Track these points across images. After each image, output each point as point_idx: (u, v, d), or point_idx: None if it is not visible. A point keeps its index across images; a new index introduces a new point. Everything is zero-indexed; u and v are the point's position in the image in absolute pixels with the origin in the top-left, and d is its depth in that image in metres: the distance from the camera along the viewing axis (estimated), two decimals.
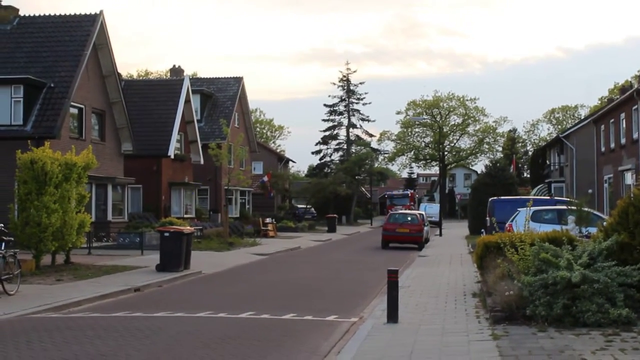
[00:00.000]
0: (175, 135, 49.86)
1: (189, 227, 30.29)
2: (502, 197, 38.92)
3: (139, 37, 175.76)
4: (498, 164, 65.39)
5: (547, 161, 78.28)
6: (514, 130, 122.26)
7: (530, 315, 13.70)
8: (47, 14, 41.54)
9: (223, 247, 38.89)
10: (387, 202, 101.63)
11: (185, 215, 50.03)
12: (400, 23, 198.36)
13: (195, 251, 30.41)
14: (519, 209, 28.93)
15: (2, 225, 21.80)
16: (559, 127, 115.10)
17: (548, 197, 45.48)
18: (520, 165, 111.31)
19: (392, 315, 15.06)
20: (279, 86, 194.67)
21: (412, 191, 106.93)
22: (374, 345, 12.74)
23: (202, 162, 54.68)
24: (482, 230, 35.01)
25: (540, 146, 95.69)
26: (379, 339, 13.31)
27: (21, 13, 41.62)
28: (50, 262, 26.75)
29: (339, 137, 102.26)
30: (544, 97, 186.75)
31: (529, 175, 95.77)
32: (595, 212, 26.60)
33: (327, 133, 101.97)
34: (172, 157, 49.78)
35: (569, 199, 27.75)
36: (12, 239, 21.87)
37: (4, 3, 41.15)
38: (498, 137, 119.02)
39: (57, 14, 41.31)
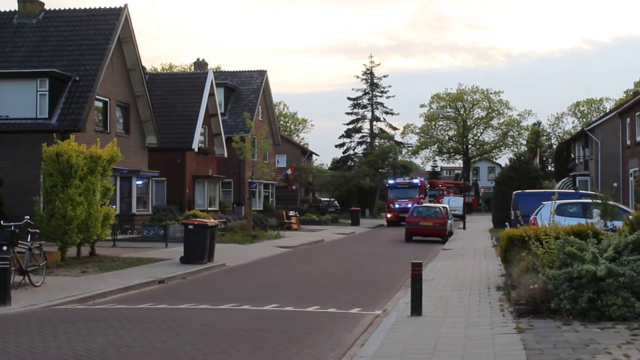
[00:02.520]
0: (199, 129, 50.02)
1: (212, 220, 30.39)
2: (527, 191, 38.76)
3: (163, 31, 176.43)
4: (522, 158, 65.00)
5: (572, 154, 77.82)
6: (539, 123, 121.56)
7: (555, 309, 13.65)
8: (72, 7, 41.75)
9: (247, 239, 38.98)
10: (388, 193, 70.49)
11: (209, 208, 50.19)
12: (425, 16, 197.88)
13: (219, 244, 30.52)
14: (543, 202, 28.81)
15: (28, 217, 21.97)
16: (584, 120, 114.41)
17: (573, 191, 45.22)
18: (544, 159, 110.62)
19: (416, 308, 15.05)
20: (303, 79, 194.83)
21: (421, 179, 75.70)
22: (397, 338, 12.73)
23: (225, 155, 54.81)
24: (506, 223, 34.87)
25: (565, 139, 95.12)
26: (403, 332, 13.30)
27: (47, 7, 41.85)
28: (75, 254, 26.94)
29: (362, 130, 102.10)
30: (569, 90, 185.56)
31: (553, 169, 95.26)
32: (621, 206, 26.45)
33: (350, 126, 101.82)
34: (196, 150, 49.95)
35: (593, 193, 27.65)
36: (38, 231, 22.05)
37: None
38: (522, 131, 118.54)
39: (82, 7, 41.52)
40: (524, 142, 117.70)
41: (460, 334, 12.91)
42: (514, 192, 37.88)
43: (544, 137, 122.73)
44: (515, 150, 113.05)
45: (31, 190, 31.82)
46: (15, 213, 24.89)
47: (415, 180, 71.62)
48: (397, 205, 66.24)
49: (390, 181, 72.43)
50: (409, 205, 57.78)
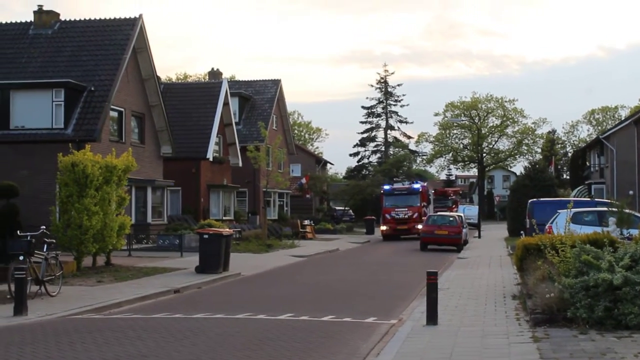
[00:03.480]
0: (213, 138, 50.14)
1: (227, 229, 30.43)
2: (542, 199, 38.67)
3: (178, 40, 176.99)
4: (537, 166, 64.88)
5: (587, 162, 77.58)
6: (553, 131, 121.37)
7: (571, 318, 13.60)
8: (87, 18, 41.97)
9: (262, 249, 39.00)
10: (383, 201, 58.46)
11: (224, 218, 50.27)
12: (439, 24, 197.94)
13: (234, 253, 30.53)
14: (558, 211, 28.72)
15: (44, 227, 22.04)
16: (599, 128, 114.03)
17: (588, 199, 45.07)
18: (559, 167, 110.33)
19: (432, 317, 15.01)
20: (317, 88, 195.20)
21: (423, 184, 64.52)
22: (413, 348, 12.71)
23: (240, 164, 54.90)
24: (522, 232, 34.78)
25: (580, 147, 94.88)
26: (419, 341, 13.27)
27: (62, 18, 42.08)
28: (91, 264, 27.01)
29: (376, 139, 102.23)
30: (584, 97, 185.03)
31: (568, 177, 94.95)
32: (637, 214, 26.31)
33: (364, 135, 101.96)
34: (211, 159, 50.04)
35: (609, 201, 27.54)
36: (54, 241, 22.13)
37: (46, 8, 41.60)
38: (537, 139, 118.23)
39: (97, 18, 41.74)
40: (539, 150, 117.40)
41: (476, 343, 12.87)
42: (529, 201, 37.80)
43: (559, 145, 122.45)
44: (530, 158, 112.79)
45: (47, 200, 31.99)
46: (31, 223, 24.92)
47: (416, 186, 60.33)
48: (394, 215, 56.20)
49: (386, 187, 60.56)
50: (409, 215, 55.49)
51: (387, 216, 56.45)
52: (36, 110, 36.39)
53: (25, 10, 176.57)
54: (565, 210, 20.37)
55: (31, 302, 17.99)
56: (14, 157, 35.96)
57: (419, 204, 56.85)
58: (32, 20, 41.58)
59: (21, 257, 18.88)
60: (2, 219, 23.89)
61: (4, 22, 42.62)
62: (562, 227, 18.51)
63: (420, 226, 49.55)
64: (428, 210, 59.40)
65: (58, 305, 18.38)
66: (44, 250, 20.54)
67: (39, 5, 41.47)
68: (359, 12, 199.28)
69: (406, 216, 55.61)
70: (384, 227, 56.57)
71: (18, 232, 21.22)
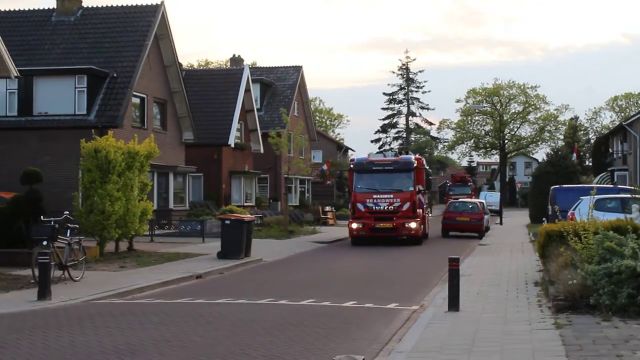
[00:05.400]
0: (235, 124, 50.18)
1: (249, 215, 30.55)
2: (564, 186, 38.50)
3: (199, 26, 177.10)
4: (559, 152, 64.63)
5: (610, 149, 77.08)
6: (576, 118, 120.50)
7: (593, 305, 13.55)
8: (109, 5, 42.09)
9: (283, 235, 39.09)
10: (353, 182, 37.40)
11: (246, 204, 50.40)
12: (461, 10, 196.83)
13: (255, 239, 30.63)
14: (581, 197, 28.58)
15: (68, 213, 22.20)
16: (622, 114, 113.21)
17: (611, 186, 44.82)
18: (582, 154, 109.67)
19: (454, 303, 15.00)
20: (338, 75, 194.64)
21: (418, 157, 42.57)
22: (435, 334, 12.71)
23: (262, 150, 54.94)
24: (544, 218, 34.65)
25: (603, 134, 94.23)
26: (440, 327, 13.27)
27: (84, 4, 42.21)
28: (113, 249, 27.21)
29: (398, 126, 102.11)
30: (607, 84, 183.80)
31: (591, 164, 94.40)
32: None
33: (386, 121, 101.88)
34: (233, 145, 50.10)
35: (632, 187, 27.37)
36: (77, 226, 22.27)
37: None
38: (559, 125, 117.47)
39: (119, 5, 41.83)
40: (562, 136, 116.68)
41: (498, 330, 12.86)
42: (552, 187, 37.59)
43: (582, 132, 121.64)
44: (553, 145, 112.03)
45: (70, 185, 32.20)
46: (54, 208, 25.09)
47: (408, 157, 39.75)
48: (370, 206, 35.92)
49: (358, 159, 39.66)
50: (395, 206, 35.58)
51: (360, 207, 35.95)
52: (59, 97, 36.58)
53: None
54: (588, 197, 20.27)
55: (55, 286, 18.13)
56: (37, 143, 36.20)
57: (411, 188, 36.24)
58: (55, 7, 41.72)
59: (45, 242, 19.05)
60: (26, 204, 24.10)
61: (26, 9, 42.85)
62: (584, 214, 18.42)
63: (414, 224, 35.48)
64: (425, 199, 41.43)
65: (81, 290, 18.52)
66: (68, 235, 20.70)
67: None
68: None
69: (391, 207, 35.64)
70: (354, 225, 36.12)
71: (42, 217, 21.38)
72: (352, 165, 38.22)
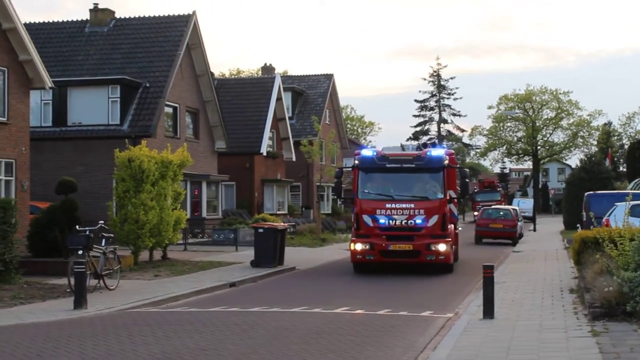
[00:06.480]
0: (267, 133, 50.34)
1: (282, 224, 30.55)
2: (599, 192, 38.24)
3: (231, 35, 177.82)
4: (593, 158, 64.10)
5: None
6: (609, 123, 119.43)
7: (630, 312, 13.44)
8: (141, 15, 42.42)
9: (316, 243, 39.11)
10: (357, 185, 26.35)
11: (278, 212, 50.48)
12: (492, 16, 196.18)
13: (288, 247, 30.65)
14: (616, 204, 28.35)
15: (103, 222, 22.36)
16: None
17: None
18: (616, 159, 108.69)
19: (488, 311, 14.93)
20: (370, 82, 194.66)
21: (448, 151, 30.49)
22: (470, 342, 12.66)
23: (294, 158, 55.03)
24: (578, 225, 34.42)
25: (637, 139, 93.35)
26: (475, 335, 13.22)
27: (117, 15, 42.57)
28: (148, 258, 27.36)
29: (429, 133, 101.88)
30: None
31: (625, 169, 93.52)
32: None
33: (418, 129, 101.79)
34: (265, 154, 50.26)
35: None
36: (112, 235, 22.42)
37: (101, 6, 42.13)
38: (592, 131, 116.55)
39: (151, 15, 42.18)
40: (595, 142, 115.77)
41: (533, 337, 12.78)
42: (586, 194, 37.37)
43: (615, 137, 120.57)
44: (586, 150, 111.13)
45: (104, 195, 32.52)
46: (89, 218, 25.36)
47: (436, 154, 27.03)
48: (382, 221, 25.72)
49: (365, 153, 27.37)
50: (418, 221, 25.28)
51: (367, 220, 25.88)
52: (93, 107, 36.96)
53: (78, 8, 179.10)
54: (624, 202, 20.11)
55: (90, 295, 18.27)
56: (71, 153, 36.59)
57: (440, 195, 26.11)
58: (88, 18, 42.15)
59: (80, 252, 19.19)
60: (62, 214, 24.35)
61: (60, 20, 43.32)
62: (620, 220, 18.28)
63: (443, 246, 25.38)
64: (456, 209, 31.31)
65: (116, 299, 18.64)
66: (102, 244, 20.84)
67: (94, 4, 42.02)
68: (410, 5, 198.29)
69: (411, 222, 25.49)
70: (358, 246, 25.93)
71: (77, 227, 21.57)
72: (356, 161, 26.77)
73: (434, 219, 25.45)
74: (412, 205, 25.50)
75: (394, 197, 25.80)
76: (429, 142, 33.90)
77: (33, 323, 15.39)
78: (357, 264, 26.28)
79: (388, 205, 25.56)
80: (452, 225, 27.49)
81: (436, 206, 25.69)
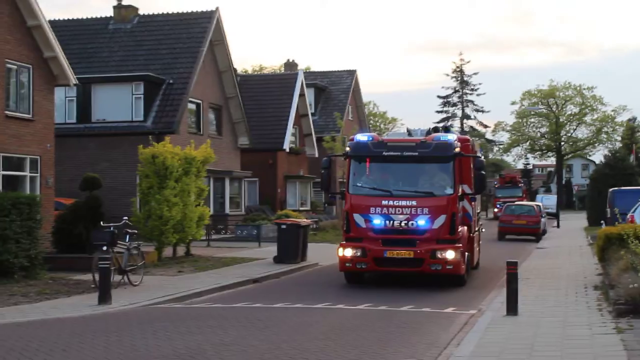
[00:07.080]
0: (290, 129, 50.37)
1: (305, 220, 30.57)
2: (623, 188, 38.01)
3: (254, 32, 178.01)
4: (617, 154, 63.67)
5: None
6: (634, 119, 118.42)
7: None
8: (164, 12, 42.55)
9: (339, 239, 38.72)
10: (349, 177, 22.36)
11: (301, 208, 50.47)
12: (514, 11, 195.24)
13: (311, 243, 30.61)
14: None
15: (127, 218, 22.47)
16: None
17: None
18: None
19: (512, 307, 14.90)
20: (392, 78, 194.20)
21: (466, 138, 25.16)
22: (493, 338, 12.64)
23: (316, 155, 54.99)
24: (602, 221, 34.24)
25: None
26: (499, 332, 13.19)
27: (140, 12, 42.72)
28: (171, 254, 27.47)
29: (452, 129, 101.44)
30: None
31: None
32: None
33: (440, 125, 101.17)
34: (288, 150, 50.30)
35: None
36: (136, 231, 22.54)
37: (124, 3, 42.29)
38: (617, 127, 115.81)
39: (175, 12, 42.31)
40: (619, 138, 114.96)
41: (557, 334, 12.74)
42: (610, 190, 37.16)
43: None
44: (610, 146, 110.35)
45: (128, 191, 32.71)
46: (113, 214, 25.52)
47: (446, 139, 21.86)
48: (377, 224, 21.08)
49: (360, 137, 22.86)
50: (422, 224, 20.77)
51: (358, 220, 21.48)
52: (117, 104, 37.14)
53: (103, 5, 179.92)
54: None
55: (115, 291, 18.38)
56: (95, 149, 36.80)
57: (450, 190, 21.42)
58: (112, 15, 42.32)
59: (104, 248, 19.30)
60: (86, 210, 24.48)
61: (84, 17, 43.55)
62: None
63: (450, 253, 20.67)
64: (475, 207, 25.02)
65: (141, 295, 18.75)
66: (126, 240, 20.93)
67: (118, 0, 42.13)
68: (432, 0, 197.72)
69: (412, 223, 20.99)
70: (347, 251, 21.40)
71: (101, 223, 21.68)
72: (348, 148, 22.84)
73: (440, 220, 20.84)
74: (414, 203, 20.96)
75: (392, 193, 21.31)
76: (440, 125, 28.72)
77: (58, 318, 15.53)
78: (348, 272, 21.93)
79: (385, 203, 21.01)
80: (465, 228, 22.47)
81: (444, 204, 20.98)
